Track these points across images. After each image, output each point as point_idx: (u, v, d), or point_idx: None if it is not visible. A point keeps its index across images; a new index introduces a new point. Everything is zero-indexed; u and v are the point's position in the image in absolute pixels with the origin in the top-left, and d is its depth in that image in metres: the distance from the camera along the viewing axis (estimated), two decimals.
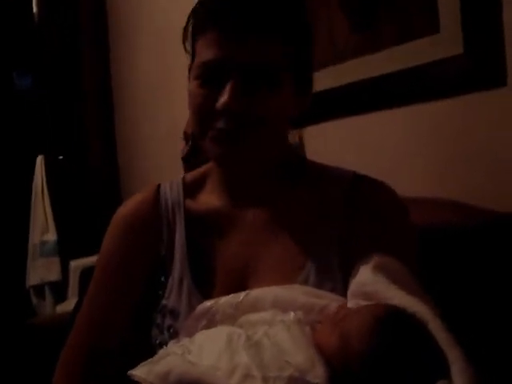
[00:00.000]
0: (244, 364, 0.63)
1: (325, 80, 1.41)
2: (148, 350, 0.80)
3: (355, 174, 0.87)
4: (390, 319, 0.64)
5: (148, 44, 2.60)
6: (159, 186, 0.92)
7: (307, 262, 0.80)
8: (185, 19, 0.84)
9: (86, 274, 2.38)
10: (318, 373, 0.63)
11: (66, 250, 2.63)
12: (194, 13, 0.81)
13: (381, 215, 0.82)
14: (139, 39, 2.67)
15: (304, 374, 0.62)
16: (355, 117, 1.42)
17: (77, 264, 2.44)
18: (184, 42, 0.83)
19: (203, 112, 0.78)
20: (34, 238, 2.67)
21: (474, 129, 1.16)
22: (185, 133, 1.39)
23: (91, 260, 2.37)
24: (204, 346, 0.69)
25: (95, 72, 3.01)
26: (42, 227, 2.65)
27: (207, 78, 0.77)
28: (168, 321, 0.83)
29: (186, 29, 0.83)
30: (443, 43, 1.17)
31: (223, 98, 0.74)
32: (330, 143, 1.49)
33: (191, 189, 0.91)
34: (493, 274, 0.94)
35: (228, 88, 0.74)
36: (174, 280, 0.84)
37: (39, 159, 2.72)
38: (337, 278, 0.78)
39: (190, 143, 1.34)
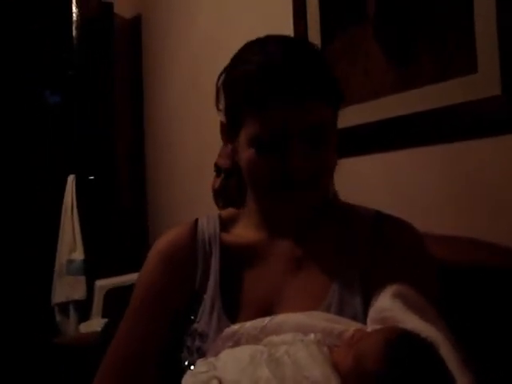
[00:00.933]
0: (266, 378, 0.67)
1: (358, 115, 1.41)
2: (178, 372, 0.83)
3: (377, 212, 0.92)
4: (401, 342, 0.66)
5: (181, 69, 2.65)
6: (197, 220, 0.97)
7: (330, 292, 0.84)
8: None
9: (111, 294, 2.41)
10: None
11: (92, 269, 2.66)
12: (238, 84, 0.84)
13: (401, 250, 0.86)
14: (173, 65, 2.73)
15: None
16: (386, 153, 1.42)
17: (102, 284, 2.46)
18: (217, 104, 0.88)
19: (270, 176, 0.82)
20: (62, 256, 2.69)
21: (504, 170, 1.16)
22: (216, 165, 1.38)
23: (116, 281, 2.40)
24: (228, 362, 0.73)
25: (127, 94, 3.08)
26: (70, 246, 2.68)
27: (267, 145, 0.81)
28: (197, 343, 0.86)
29: (218, 91, 0.88)
30: (480, 83, 1.15)
31: (294, 161, 0.80)
32: (359, 177, 1.49)
33: (226, 223, 0.96)
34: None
35: (295, 152, 0.80)
36: (205, 305, 0.88)
37: (70, 178, 2.76)
38: (358, 307, 0.82)
39: (223, 176, 1.33)
